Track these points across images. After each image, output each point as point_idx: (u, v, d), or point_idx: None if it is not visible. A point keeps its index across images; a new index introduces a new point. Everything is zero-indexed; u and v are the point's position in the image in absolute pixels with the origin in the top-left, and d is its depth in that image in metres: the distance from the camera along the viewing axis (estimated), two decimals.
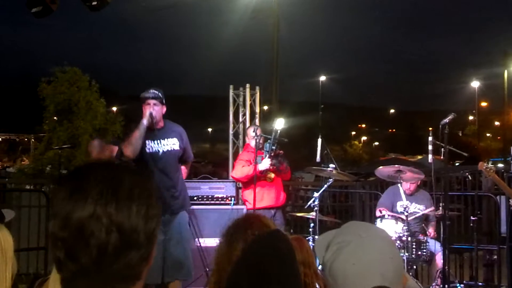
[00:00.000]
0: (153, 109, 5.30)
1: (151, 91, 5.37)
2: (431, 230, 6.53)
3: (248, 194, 6.38)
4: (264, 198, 6.35)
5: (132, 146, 5.20)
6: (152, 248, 1.26)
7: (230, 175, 6.61)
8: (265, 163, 6.31)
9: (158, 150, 5.37)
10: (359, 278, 1.47)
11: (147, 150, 5.33)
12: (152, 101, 5.32)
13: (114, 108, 37.02)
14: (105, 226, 1.17)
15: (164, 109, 5.44)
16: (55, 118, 17.23)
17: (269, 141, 6.30)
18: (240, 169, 6.41)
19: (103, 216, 1.18)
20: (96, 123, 16.70)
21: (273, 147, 6.25)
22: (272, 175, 6.39)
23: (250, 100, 8.57)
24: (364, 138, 72.76)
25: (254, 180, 6.16)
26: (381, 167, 6.58)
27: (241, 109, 8.58)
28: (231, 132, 8.60)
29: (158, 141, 5.39)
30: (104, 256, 1.18)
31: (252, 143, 6.49)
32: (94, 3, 6.31)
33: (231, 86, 8.65)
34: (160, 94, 5.36)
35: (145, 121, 5.24)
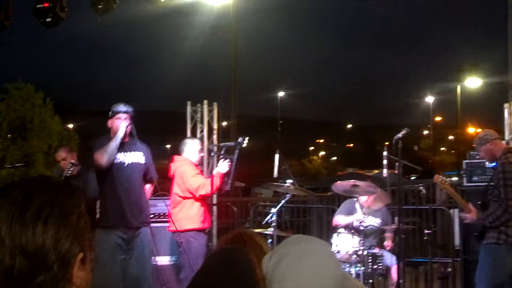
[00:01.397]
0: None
1: (123, 105, 5.36)
2: (388, 243, 6.60)
3: (197, 213, 6.05)
4: (205, 219, 6.16)
5: (108, 155, 5.15)
6: (70, 269, 1.22)
7: (199, 194, 6.01)
8: (224, 165, 6.01)
9: (124, 161, 5.33)
10: (296, 287, 1.49)
11: (114, 160, 5.29)
12: (123, 115, 5.31)
13: (71, 125, 36.46)
14: (9, 249, 1.15)
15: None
16: (8, 136, 16.91)
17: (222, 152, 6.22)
18: (207, 182, 6.00)
19: (7, 239, 1.15)
20: (51, 141, 16.44)
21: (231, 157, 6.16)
22: None
23: (208, 116, 8.56)
24: (322, 153, 73.40)
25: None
26: (337, 182, 6.65)
27: (198, 126, 8.56)
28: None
29: (125, 152, 5.35)
30: (12, 280, 1.15)
31: (195, 159, 6.34)
32: (49, 19, 6.26)
33: (188, 102, 8.62)
34: (131, 110, 5.36)
35: (122, 133, 5.22)
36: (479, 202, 5.41)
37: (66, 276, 1.20)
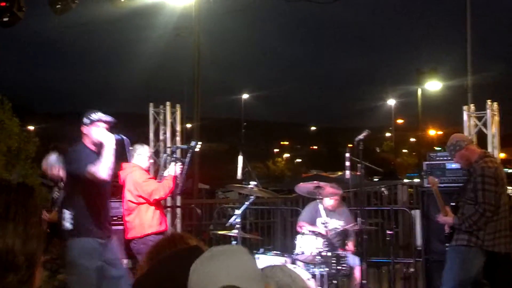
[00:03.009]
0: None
1: (101, 114, 5.18)
2: (350, 245, 6.65)
3: (152, 217, 6.06)
4: (162, 222, 6.19)
5: (107, 169, 4.96)
6: (35, 271, 1.20)
7: (153, 198, 6.02)
8: (177, 167, 6.10)
9: None
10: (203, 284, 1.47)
11: None
12: (102, 124, 5.15)
13: (31, 127, 35.81)
14: None
15: None
16: None
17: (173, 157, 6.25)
18: (160, 186, 6.07)
19: None
20: (10, 143, 16.05)
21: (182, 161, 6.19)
22: None
23: (170, 118, 8.49)
24: (286, 155, 73.79)
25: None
26: (301, 183, 6.66)
27: (161, 127, 8.48)
28: (151, 150, 8.47)
29: None
30: None
31: (145, 165, 6.31)
32: (6, 19, 6.10)
33: (151, 104, 8.53)
34: (112, 119, 5.24)
35: (113, 145, 5.07)
36: (453, 204, 5.45)
37: (31, 278, 1.19)
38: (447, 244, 5.46)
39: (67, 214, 5.09)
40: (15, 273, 1.15)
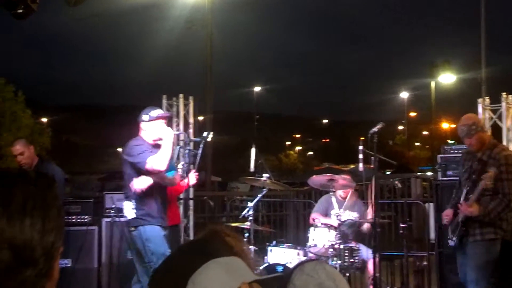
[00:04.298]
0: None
1: (159, 110, 5.45)
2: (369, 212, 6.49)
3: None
4: (175, 215, 6.29)
5: (167, 161, 5.20)
6: (53, 264, 1.19)
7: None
8: (193, 178, 6.12)
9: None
10: None
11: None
12: (163, 121, 5.41)
13: (44, 120, 36.01)
14: None
15: None
16: None
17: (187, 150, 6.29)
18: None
19: None
20: (21, 135, 16.22)
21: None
22: None
23: (183, 110, 8.48)
24: (298, 148, 73.69)
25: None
26: (314, 176, 6.65)
27: (174, 120, 8.48)
28: None
29: None
30: None
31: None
32: (20, 10, 6.10)
33: (164, 96, 8.53)
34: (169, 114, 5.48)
35: (171, 140, 5.33)
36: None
37: (49, 271, 1.18)
38: (454, 239, 5.37)
39: (130, 205, 5.20)
40: (34, 267, 1.14)
